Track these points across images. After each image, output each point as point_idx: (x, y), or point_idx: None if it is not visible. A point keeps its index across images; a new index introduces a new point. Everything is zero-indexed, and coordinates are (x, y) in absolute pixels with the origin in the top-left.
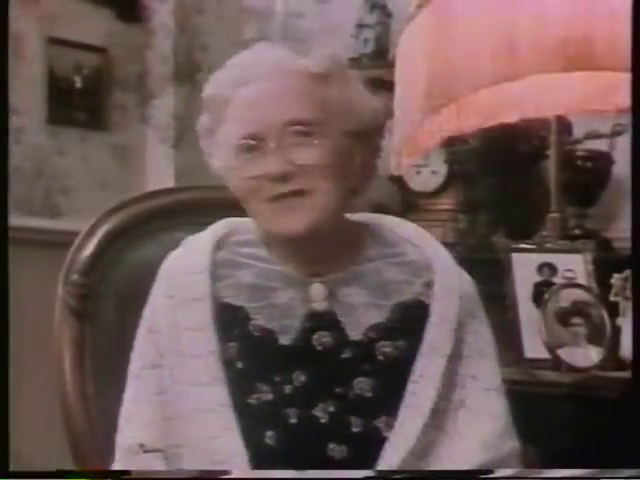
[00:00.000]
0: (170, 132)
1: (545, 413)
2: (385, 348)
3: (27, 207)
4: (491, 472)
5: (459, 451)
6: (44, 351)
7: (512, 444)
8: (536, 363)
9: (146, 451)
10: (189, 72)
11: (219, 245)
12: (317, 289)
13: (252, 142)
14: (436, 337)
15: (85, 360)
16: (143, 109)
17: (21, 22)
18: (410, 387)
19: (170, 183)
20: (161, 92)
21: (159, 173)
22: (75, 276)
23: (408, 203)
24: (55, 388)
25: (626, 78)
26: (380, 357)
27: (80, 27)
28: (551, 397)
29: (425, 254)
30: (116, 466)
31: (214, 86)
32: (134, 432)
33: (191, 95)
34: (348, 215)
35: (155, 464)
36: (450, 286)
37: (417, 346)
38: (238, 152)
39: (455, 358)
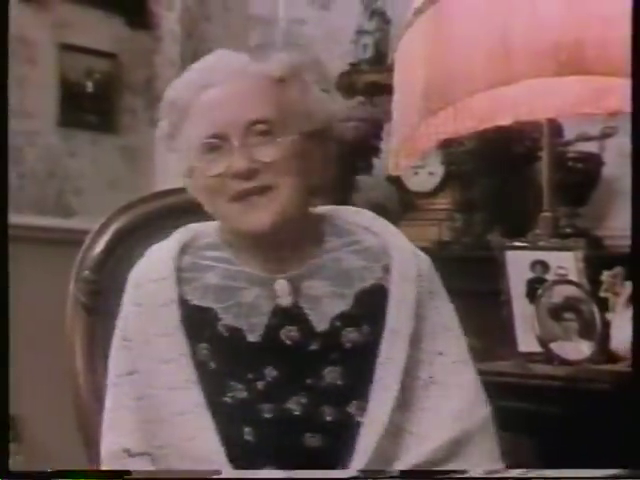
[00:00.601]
0: None
1: (538, 405)
2: (351, 335)
3: (40, 207)
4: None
5: (434, 426)
6: (56, 345)
7: (484, 411)
8: (529, 356)
9: (132, 455)
10: None
11: (183, 250)
12: (281, 285)
13: (216, 141)
14: (396, 319)
15: (96, 353)
16: (151, 112)
17: (34, 29)
18: (378, 370)
19: (176, 182)
20: None
21: (167, 174)
22: (86, 273)
23: (406, 203)
24: (67, 381)
25: (617, 82)
26: (347, 344)
27: (91, 34)
28: (544, 389)
29: (381, 239)
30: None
31: (173, 92)
32: (118, 438)
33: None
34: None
35: (143, 466)
36: (406, 268)
37: (381, 330)
38: (202, 152)
39: (418, 337)
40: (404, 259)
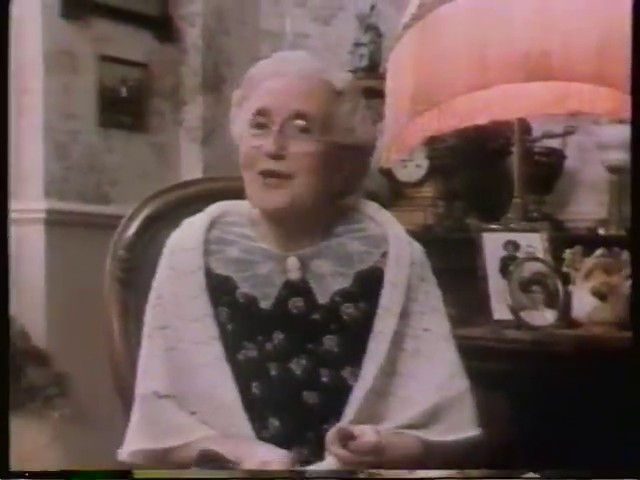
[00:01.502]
0: (199, 133)
1: (509, 365)
2: (349, 310)
3: (82, 195)
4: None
5: (416, 392)
6: (95, 313)
7: (463, 383)
8: (503, 323)
9: (160, 397)
10: (215, 84)
11: (212, 225)
12: (292, 262)
13: (262, 119)
14: (389, 299)
15: (129, 320)
16: (177, 114)
17: (77, 43)
18: (370, 342)
19: (199, 174)
20: (192, 100)
21: (190, 166)
22: (121, 252)
23: (395, 191)
24: (106, 342)
25: (577, 87)
26: (345, 317)
27: (125, 46)
28: (515, 351)
29: (382, 228)
30: (134, 412)
31: (254, 69)
32: (149, 382)
33: (216, 103)
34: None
35: (168, 407)
36: (401, 255)
37: (375, 307)
38: (250, 125)
39: (407, 315)
40: (400, 247)
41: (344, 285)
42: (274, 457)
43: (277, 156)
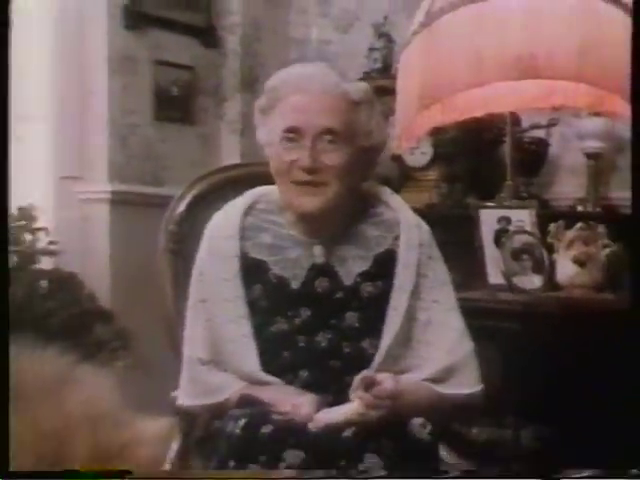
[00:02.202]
0: (238, 125)
1: (503, 322)
2: (368, 288)
3: (140, 179)
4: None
5: (429, 357)
6: (151, 280)
7: (469, 345)
8: (497, 287)
9: (203, 363)
10: (251, 83)
11: (247, 212)
12: (317, 249)
13: (293, 136)
14: (402, 279)
15: (179, 284)
16: (219, 109)
17: (136, 49)
18: (387, 316)
19: (237, 160)
20: (231, 97)
21: (230, 154)
22: (172, 227)
23: (405, 175)
24: (159, 305)
25: (560, 84)
26: (365, 295)
27: (176, 52)
28: (507, 311)
29: (395, 213)
30: (184, 372)
31: (276, 80)
32: (194, 348)
33: (252, 99)
34: None
35: (210, 371)
36: (411, 238)
37: (391, 285)
38: (281, 140)
39: (419, 290)
40: (410, 231)
41: (364, 267)
42: (304, 400)
43: (312, 169)
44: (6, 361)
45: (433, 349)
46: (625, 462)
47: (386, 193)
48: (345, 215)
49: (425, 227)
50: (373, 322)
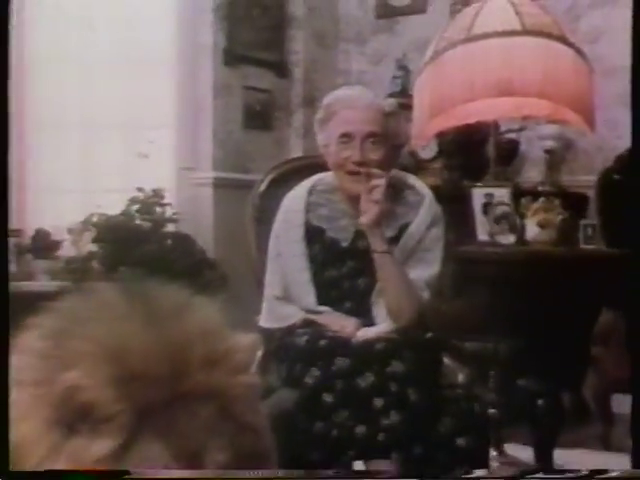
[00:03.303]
0: (301, 131)
1: (487, 268)
2: (393, 246)
3: (234, 169)
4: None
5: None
6: (242, 239)
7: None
8: (483, 243)
9: (278, 299)
10: (310, 101)
11: (310, 192)
12: (361, 220)
13: (346, 139)
14: (414, 238)
15: (261, 242)
16: (288, 120)
17: (231, 79)
18: (402, 245)
19: (300, 154)
20: (297, 111)
21: (295, 151)
22: (256, 200)
23: (417, 164)
24: (247, 257)
25: (529, 100)
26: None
27: (258, 80)
28: (490, 260)
29: (418, 196)
30: (264, 306)
31: (330, 98)
32: (272, 289)
33: (311, 113)
34: None
35: (281, 305)
36: (426, 215)
37: (408, 239)
38: (337, 143)
39: (421, 243)
40: (427, 209)
41: (391, 234)
42: (348, 322)
43: (362, 163)
44: (6, 361)
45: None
46: (566, 368)
47: (412, 178)
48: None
49: (437, 206)
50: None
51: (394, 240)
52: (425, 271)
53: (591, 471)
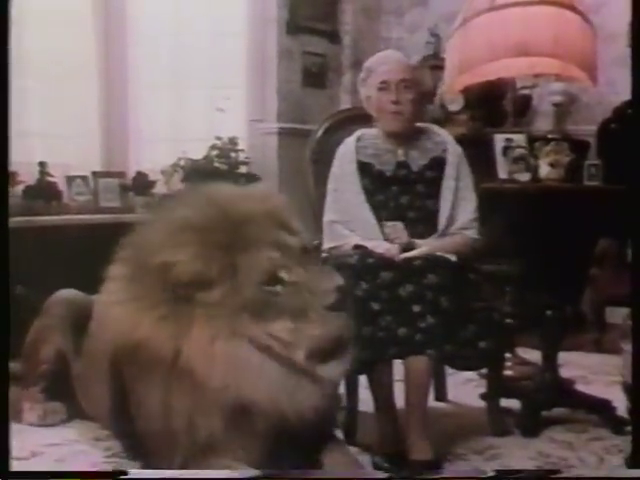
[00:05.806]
0: (349, 88)
1: (507, 201)
2: (427, 173)
3: (294, 120)
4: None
5: (463, 212)
6: (301, 179)
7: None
8: (503, 180)
9: (334, 222)
10: (357, 64)
11: (359, 139)
12: (400, 153)
13: (384, 85)
14: (450, 172)
15: (318, 180)
16: (339, 79)
17: (292, 45)
18: (442, 190)
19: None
20: (346, 72)
21: (345, 104)
22: (313, 145)
23: (447, 116)
24: (305, 193)
25: (541, 60)
26: (426, 177)
27: (315, 46)
28: (509, 194)
29: (444, 138)
30: (325, 229)
31: (369, 62)
32: (330, 215)
33: (357, 73)
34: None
35: (339, 228)
36: (454, 150)
37: (442, 174)
38: (378, 90)
39: (458, 178)
40: (453, 147)
41: (425, 162)
42: (391, 246)
43: (397, 102)
44: (6, 361)
45: (463, 211)
46: (569, 285)
47: (435, 127)
48: (414, 132)
49: (460, 148)
50: (433, 192)
51: (426, 167)
52: (467, 210)
53: (546, 471)
